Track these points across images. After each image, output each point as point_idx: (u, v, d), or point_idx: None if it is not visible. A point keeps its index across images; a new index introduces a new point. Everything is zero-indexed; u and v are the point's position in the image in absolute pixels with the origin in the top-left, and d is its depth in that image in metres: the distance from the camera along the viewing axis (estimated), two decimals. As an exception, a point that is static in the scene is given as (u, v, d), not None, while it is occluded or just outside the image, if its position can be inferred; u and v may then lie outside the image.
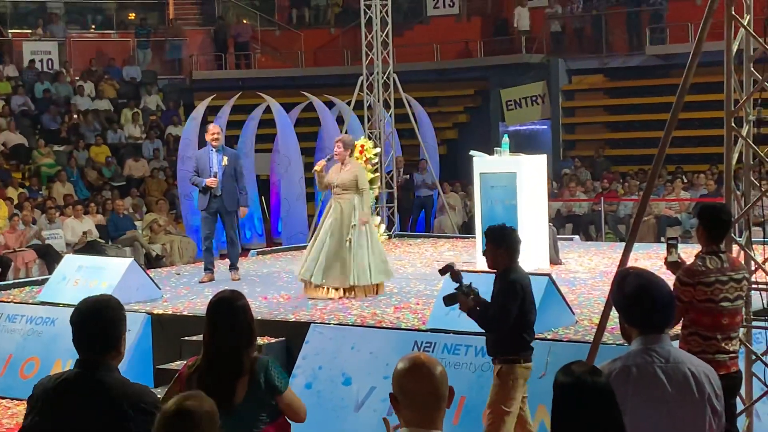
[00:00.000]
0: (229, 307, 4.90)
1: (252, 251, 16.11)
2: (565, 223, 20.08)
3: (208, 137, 12.77)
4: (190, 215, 19.90)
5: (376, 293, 11.49)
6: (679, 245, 6.85)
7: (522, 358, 6.91)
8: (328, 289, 11.40)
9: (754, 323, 7.08)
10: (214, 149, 12.69)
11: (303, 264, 11.58)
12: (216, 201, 12.63)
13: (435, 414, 3.60)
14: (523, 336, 6.90)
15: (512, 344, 6.91)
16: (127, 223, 19.02)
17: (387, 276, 11.70)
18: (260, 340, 9.51)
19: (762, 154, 7.04)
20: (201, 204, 12.79)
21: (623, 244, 7.70)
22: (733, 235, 7.02)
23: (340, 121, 20.45)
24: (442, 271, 7.07)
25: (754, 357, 7.03)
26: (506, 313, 6.79)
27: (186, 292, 12.19)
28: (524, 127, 26.88)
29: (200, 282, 12.73)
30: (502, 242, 6.90)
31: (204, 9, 30.09)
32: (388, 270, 11.72)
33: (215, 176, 12.51)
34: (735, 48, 7.17)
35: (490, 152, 13.44)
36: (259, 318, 9.77)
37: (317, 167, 11.67)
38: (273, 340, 9.64)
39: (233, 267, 13.04)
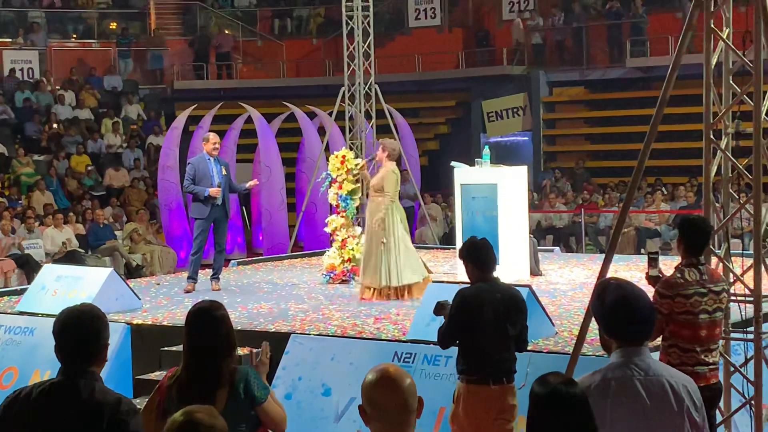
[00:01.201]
0: (208, 318, 4.88)
1: (233, 261, 16.08)
2: (546, 234, 20.13)
3: (208, 146, 12.76)
4: (171, 225, 19.88)
5: (409, 295, 11.63)
6: (660, 258, 6.90)
7: (461, 376, 6.63)
8: (364, 289, 11.84)
9: (733, 335, 7.10)
10: (211, 159, 12.71)
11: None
12: (216, 209, 12.66)
13: (404, 426, 3.59)
14: (464, 354, 6.62)
15: (457, 361, 6.71)
16: (107, 233, 18.96)
17: (417, 277, 11.78)
18: (240, 351, 9.49)
19: (741, 167, 7.08)
20: (199, 212, 12.73)
21: (603, 255, 7.72)
22: (712, 247, 7.05)
23: (321, 131, 20.47)
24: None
25: (732, 369, 7.05)
26: (443, 328, 6.65)
27: (166, 302, 12.15)
28: (505, 139, 26.94)
29: (186, 291, 12.70)
30: (467, 256, 6.73)
31: (186, 19, 30.06)
32: (417, 270, 11.82)
33: (219, 186, 12.55)
34: (714, 61, 7.21)
35: (471, 163, 13.47)
36: (239, 328, 9.77)
37: (359, 167, 12.30)
38: (253, 350, 9.61)
39: (215, 277, 13.02)
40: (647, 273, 6.44)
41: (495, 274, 6.78)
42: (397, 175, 11.99)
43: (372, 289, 11.79)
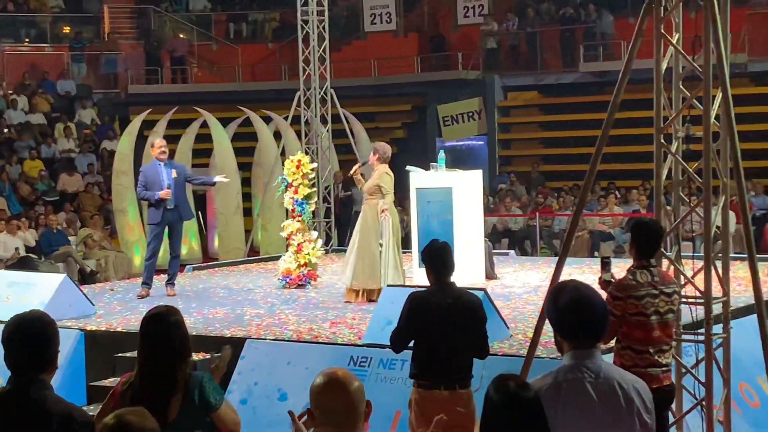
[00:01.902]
0: (162, 323, 4.85)
1: (188, 266, 16.01)
2: (501, 238, 20.23)
3: (155, 152, 12.76)
4: (125, 230, 19.75)
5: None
6: (613, 260, 6.96)
7: (413, 381, 6.58)
8: (355, 292, 11.84)
9: (684, 337, 7.18)
10: (162, 163, 12.68)
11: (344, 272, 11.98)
12: (169, 213, 12.63)
13: (351, 430, 3.59)
14: (414, 358, 6.56)
15: (410, 366, 6.65)
16: (60, 239, 18.79)
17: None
18: (195, 356, 9.45)
19: (691, 170, 7.16)
20: (153, 218, 12.71)
21: (558, 258, 7.78)
22: (663, 249, 7.13)
23: (277, 135, 20.43)
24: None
25: (683, 370, 7.13)
26: (395, 330, 6.60)
27: (120, 308, 12.09)
28: (461, 143, 27.03)
29: (139, 297, 12.64)
30: (424, 260, 6.68)
31: (140, 23, 29.85)
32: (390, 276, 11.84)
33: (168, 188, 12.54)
34: (664, 66, 7.29)
35: (427, 168, 13.51)
36: (194, 333, 9.75)
37: (352, 172, 12.24)
38: (208, 356, 9.58)
39: (170, 282, 12.97)
40: (600, 277, 6.50)
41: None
42: (391, 176, 12.04)
43: (360, 291, 11.82)
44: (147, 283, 12.85)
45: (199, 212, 21.62)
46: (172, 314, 4.91)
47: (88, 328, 10.79)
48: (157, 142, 13.00)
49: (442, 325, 6.39)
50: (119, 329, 10.69)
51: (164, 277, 13.19)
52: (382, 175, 11.94)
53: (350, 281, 11.94)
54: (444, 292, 6.50)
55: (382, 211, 11.71)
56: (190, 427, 4.75)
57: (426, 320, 6.44)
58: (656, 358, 6.22)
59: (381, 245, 11.75)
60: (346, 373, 3.69)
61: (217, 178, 13.52)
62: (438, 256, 6.59)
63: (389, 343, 6.73)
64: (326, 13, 17.87)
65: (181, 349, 4.84)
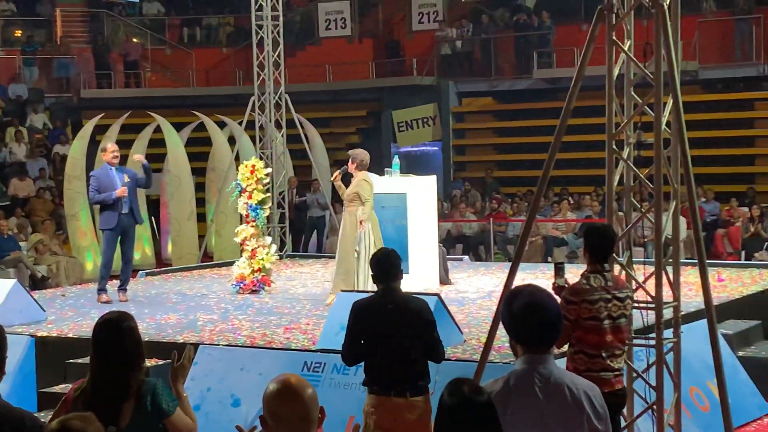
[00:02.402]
0: (115, 329, 4.81)
1: (141, 272, 15.90)
2: (455, 243, 20.29)
3: (107, 156, 12.67)
4: (77, 235, 19.58)
5: None
6: (567, 266, 7.01)
7: (367, 387, 6.52)
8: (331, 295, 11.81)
9: (635, 341, 7.24)
10: (113, 168, 12.60)
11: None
12: (124, 218, 12.56)
13: None
14: (365, 365, 6.52)
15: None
16: (11, 244, 18.57)
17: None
18: (148, 362, 9.38)
19: (642, 176, 7.22)
20: (108, 222, 12.58)
21: (511, 263, 7.81)
22: (615, 255, 7.18)
23: (231, 141, 20.37)
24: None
25: (634, 374, 7.19)
26: (344, 342, 6.55)
27: (72, 314, 11.98)
28: (416, 149, 27.09)
29: (104, 302, 12.55)
30: (371, 267, 6.62)
31: (92, 27, 29.64)
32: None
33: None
34: (616, 72, 7.35)
35: (382, 173, 13.53)
36: (146, 339, 9.65)
37: (332, 178, 12.30)
38: (161, 362, 9.52)
39: (123, 288, 12.88)
40: (554, 282, 6.53)
41: (403, 283, 6.65)
42: (371, 183, 12.00)
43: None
44: (104, 290, 12.77)
45: (152, 217, 21.50)
46: (125, 320, 4.88)
47: (39, 334, 10.69)
48: (109, 146, 12.90)
49: (385, 331, 6.33)
50: (70, 335, 10.59)
51: (116, 282, 13.09)
52: (360, 182, 11.92)
53: (331, 288, 12.00)
54: (386, 298, 6.43)
55: (360, 222, 11.65)
56: None
57: (370, 327, 6.40)
58: (609, 362, 6.26)
59: (357, 252, 11.67)
60: (300, 379, 3.67)
61: (136, 157, 13.25)
62: (382, 263, 6.53)
63: (341, 357, 6.64)
64: (281, 18, 17.85)
65: (134, 356, 4.81)
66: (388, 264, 6.50)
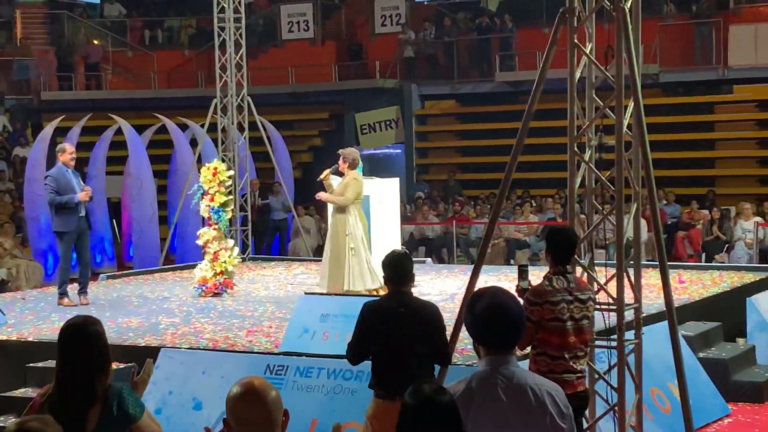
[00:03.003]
0: (81, 334, 4.77)
1: (102, 275, 15.79)
2: (418, 245, 20.31)
3: (65, 157, 12.53)
4: (38, 238, 19.41)
5: None
6: (530, 268, 7.03)
7: (373, 391, 6.49)
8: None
9: (597, 343, 7.27)
10: (69, 170, 12.51)
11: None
12: (81, 221, 12.49)
13: None
14: (372, 368, 6.51)
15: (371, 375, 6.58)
16: (-30, 247, 18.41)
17: (371, 285, 11.89)
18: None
19: (604, 179, 7.26)
20: (66, 225, 12.45)
21: (474, 266, 7.82)
22: (576, 257, 7.22)
23: (193, 143, 20.27)
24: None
25: (596, 376, 7.22)
26: (350, 342, 6.53)
27: (32, 317, 11.86)
28: (379, 151, 27.10)
29: (67, 305, 12.45)
30: (384, 269, 6.55)
31: (53, 29, 29.42)
32: (368, 279, 11.91)
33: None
34: (578, 75, 7.39)
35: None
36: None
37: (322, 176, 12.17)
38: (122, 366, 9.45)
39: (83, 291, 12.78)
40: (517, 285, 6.55)
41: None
42: (361, 182, 12.10)
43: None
44: (65, 293, 12.68)
45: (114, 220, 21.36)
46: (92, 324, 4.83)
47: (-1, 338, 10.59)
48: (68, 147, 12.79)
49: (396, 334, 6.29)
50: (31, 339, 10.48)
51: (75, 285, 12.98)
52: (351, 181, 12.02)
53: (326, 287, 11.98)
54: (398, 301, 6.40)
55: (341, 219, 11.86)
56: None
57: (380, 329, 6.35)
58: (571, 363, 6.28)
59: (353, 249, 11.75)
60: (263, 382, 3.65)
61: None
62: (395, 265, 6.49)
63: (346, 356, 6.58)
64: (243, 20, 17.81)
65: (100, 361, 4.76)
66: (401, 267, 6.46)
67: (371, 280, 11.93)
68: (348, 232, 11.89)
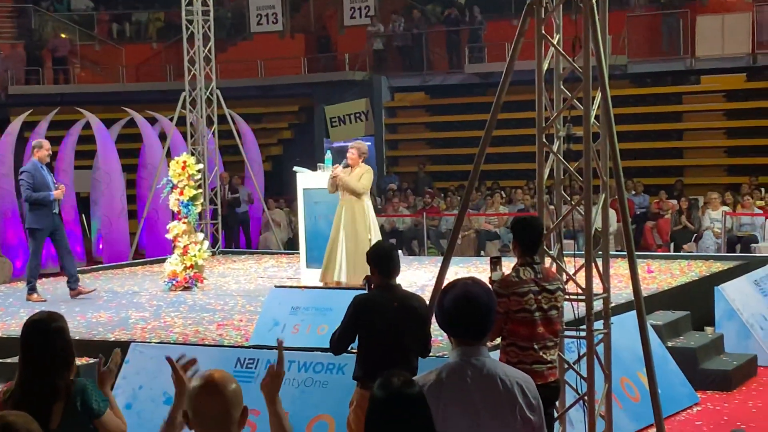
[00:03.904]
0: (43, 331, 4.76)
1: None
2: (389, 238, 20.31)
3: (41, 153, 12.51)
4: (7, 234, 19.29)
5: None
6: (503, 261, 7.04)
7: (357, 381, 6.52)
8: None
9: (566, 333, 7.30)
10: (44, 166, 12.49)
11: (326, 269, 11.88)
12: (55, 218, 12.51)
13: None
14: (359, 360, 6.51)
15: (355, 367, 6.57)
16: (-63, 243, 18.29)
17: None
18: (78, 361, 9.26)
19: (572, 169, 7.29)
20: (41, 222, 12.42)
21: (443, 257, 7.84)
22: (545, 247, 7.25)
23: (162, 137, 20.19)
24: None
25: (566, 366, 7.26)
26: (337, 333, 6.52)
27: (0, 313, 11.80)
28: (349, 143, 27.03)
29: (37, 301, 12.39)
30: (370, 261, 6.57)
31: (20, 22, 29.19)
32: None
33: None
34: (546, 67, 7.41)
35: (314, 168, 13.51)
36: (77, 338, 9.54)
37: (335, 173, 12.15)
38: (91, 361, 9.40)
39: (75, 280, 12.73)
40: (490, 277, 6.56)
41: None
42: (372, 173, 12.27)
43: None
44: (36, 288, 12.64)
45: (83, 215, 21.24)
46: (54, 320, 4.83)
47: (-33, 334, 10.51)
48: (45, 143, 12.75)
49: (388, 328, 6.31)
50: (-1, 335, 10.43)
51: (44, 281, 12.93)
52: (366, 172, 12.12)
53: (346, 277, 11.86)
54: (389, 295, 6.42)
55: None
56: None
57: (371, 322, 6.35)
58: (541, 354, 6.30)
59: (370, 240, 11.80)
60: (223, 375, 3.62)
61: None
62: (385, 258, 6.51)
63: (329, 345, 6.58)
64: (211, 13, 17.74)
65: (63, 357, 4.75)
66: (390, 260, 6.49)
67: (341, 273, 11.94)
68: (368, 222, 11.94)
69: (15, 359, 9.04)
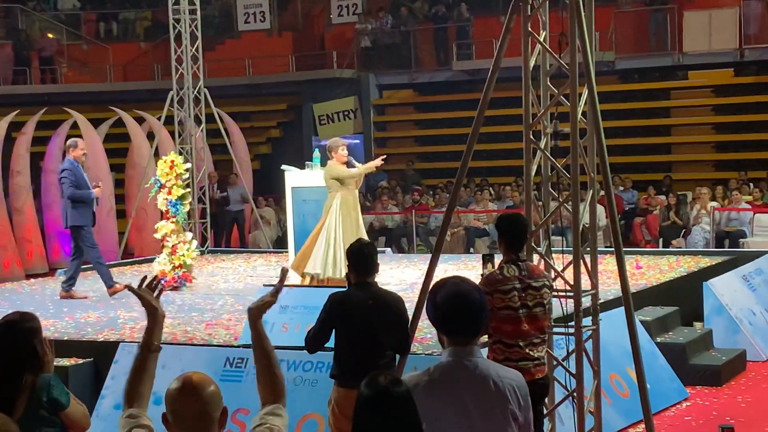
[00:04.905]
0: (12, 330, 4.93)
1: (59, 270, 15.66)
2: (378, 236, 20.32)
3: (77, 153, 12.63)
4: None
5: None
6: (496, 258, 7.04)
7: (335, 380, 6.52)
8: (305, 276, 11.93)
9: (555, 329, 7.31)
10: (81, 165, 12.61)
11: (314, 261, 11.81)
12: (94, 216, 12.75)
13: None
14: (335, 358, 6.51)
15: (332, 364, 6.57)
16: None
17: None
18: (67, 362, 9.26)
19: (559, 166, 7.29)
20: (84, 219, 12.61)
21: (432, 255, 7.83)
22: (534, 244, 7.25)
23: (150, 136, 20.15)
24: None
25: (555, 362, 7.26)
26: (312, 331, 6.53)
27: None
28: (325, 143, 27.00)
29: (77, 298, 12.60)
30: (348, 259, 6.57)
31: (6, 22, 29.09)
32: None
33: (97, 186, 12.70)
34: (532, 63, 7.40)
35: (303, 167, 13.49)
36: (65, 338, 9.58)
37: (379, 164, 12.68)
38: (80, 361, 9.39)
39: (110, 280, 12.87)
40: (482, 274, 6.56)
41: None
42: None
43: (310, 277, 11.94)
44: (110, 283, 12.78)
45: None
46: (28, 321, 5.00)
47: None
48: (80, 142, 12.91)
49: (363, 325, 6.31)
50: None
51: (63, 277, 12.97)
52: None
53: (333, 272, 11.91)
54: (365, 292, 6.41)
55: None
56: (37, 426, 4.81)
57: (347, 320, 6.36)
58: (527, 351, 6.29)
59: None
60: (202, 377, 3.58)
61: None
62: (362, 256, 6.50)
63: (304, 343, 6.57)
64: (198, 12, 17.71)
65: (32, 356, 4.91)
66: (368, 257, 6.49)
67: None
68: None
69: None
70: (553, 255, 7.46)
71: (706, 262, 13.88)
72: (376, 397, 3.53)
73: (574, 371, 7.12)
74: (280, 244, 19.70)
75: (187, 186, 13.52)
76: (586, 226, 7.36)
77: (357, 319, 6.33)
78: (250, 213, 20.94)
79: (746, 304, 12.07)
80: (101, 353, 9.55)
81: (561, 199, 7.35)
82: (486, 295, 6.13)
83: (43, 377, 4.87)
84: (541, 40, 7.36)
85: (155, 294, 4.15)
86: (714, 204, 18.61)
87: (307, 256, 11.93)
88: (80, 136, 19.93)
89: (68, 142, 13.05)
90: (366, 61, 26.40)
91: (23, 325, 4.95)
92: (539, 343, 6.40)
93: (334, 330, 6.45)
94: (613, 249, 7.26)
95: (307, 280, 11.84)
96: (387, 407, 3.51)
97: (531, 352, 6.31)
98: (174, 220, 13.19)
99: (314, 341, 6.51)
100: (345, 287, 6.79)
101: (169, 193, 13.08)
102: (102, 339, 9.95)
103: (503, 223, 6.55)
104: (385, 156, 12.62)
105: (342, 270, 11.65)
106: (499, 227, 6.55)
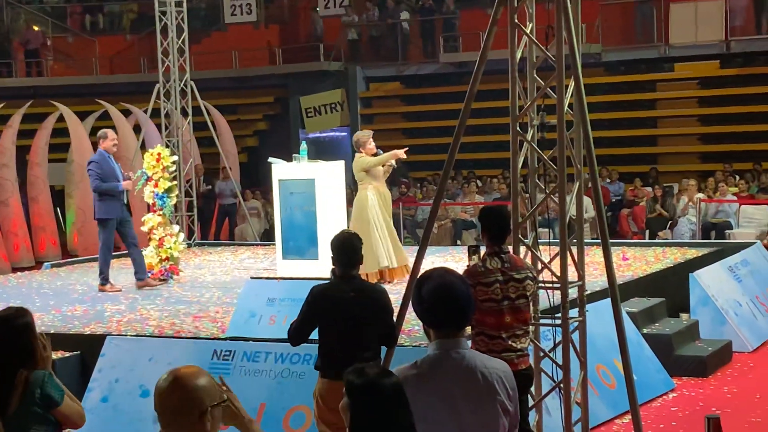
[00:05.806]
0: (7, 326, 4.92)
1: (46, 263, 15.63)
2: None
3: (107, 144, 12.50)
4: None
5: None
6: (482, 249, 7.04)
7: (319, 372, 6.50)
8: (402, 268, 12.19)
9: (542, 321, 7.33)
10: (111, 156, 12.51)
11: (378, 256, 12.03)
12: (123, 208, 12.55)
13: (189, 430, 3.45)
14: (319, 350, 6.50)
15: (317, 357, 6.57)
16: None
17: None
18: (54, 355, 9.23)
19: (546, 158, 7.30)
20: (110, 212, 12.41)
21: (419, 247, 7.84)
22: (520, 236, 7.26)
23: (137, 129, 20.11)
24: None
25: (542, 354, 7.28)
26: (294, 323, 6.51)
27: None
28: (324, 134, 27.05)
29: (112, 291, 12.48)
30: (332, 251, 6.51)
31: (-8, 15, 29.02)
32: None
33: (127, 179, 12.57)
34: (519, 56, 7.41)
35: (290, 159, 13.47)
36: (52, 332, 9.56)
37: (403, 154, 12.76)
38: (67, 354, 9.38)
39: (141, 273, 12.73)
40: (468, 265, 6.56)
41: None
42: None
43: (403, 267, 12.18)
44: (108, 279, 12.66)
45: (58, 208, 21.14)
46: (21, 317, 5.00)
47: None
48: (111, 133, 12.75)
49: (345, 318, 6.29)
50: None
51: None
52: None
53: (395, 261, 12.20)
54: (347, 285, 6.39)
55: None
56: (29, 423, 4.81)
57: (328, 313, 6.34)
58: (510, 343, 6.31)
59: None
60: (191, 371, 3.53)
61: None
62: (346, 248, 6.46)
63: (287, 336, 6.57)
64: (185, 5, 17.64)
65: (27, 351, 4.91)
66: (351, 250, 6.45)
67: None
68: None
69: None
70: (540, 247, 7.47)
71: (692, 253, 13.92)
72: (366, 389, 3.52)
73: (560, 362, 7.14)
74: (267, 236, 19.68)
75: (174, 179, 13.49)
76: (573, 217, 7.37)
77: (339, 312, 6.32)
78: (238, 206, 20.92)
79: (732, 296, 12.11)
80: (88, 346, 9.53)
81: (548, 191, 7.36)
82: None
83: (37, 373, 4.86)
84: (528, 32, 7.36)
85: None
86: (700, 195, 18.67)
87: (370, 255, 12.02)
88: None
89: (99, 133, 12.94)
90: (353, 53, 26.38)
91: (17, 320, 4.95)
92: (522, 334, 6.42)
93: (317, 322, 6.45)
94: (599, 240, 7.27)
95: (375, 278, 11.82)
96: (377, 398, 3.50)
97: (514, 344, 6.33)
98: (161, 212, 13.18)
99: (296, 334, 6.52)
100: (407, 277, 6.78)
101: (156, 185, 13.06)
102: (89, 332, 9.94)
103: (486, 216, 6.56)
104: (407, 148, 12.64)
105: (394, 260, 12.15)
106: (482, 220, 6.57)
